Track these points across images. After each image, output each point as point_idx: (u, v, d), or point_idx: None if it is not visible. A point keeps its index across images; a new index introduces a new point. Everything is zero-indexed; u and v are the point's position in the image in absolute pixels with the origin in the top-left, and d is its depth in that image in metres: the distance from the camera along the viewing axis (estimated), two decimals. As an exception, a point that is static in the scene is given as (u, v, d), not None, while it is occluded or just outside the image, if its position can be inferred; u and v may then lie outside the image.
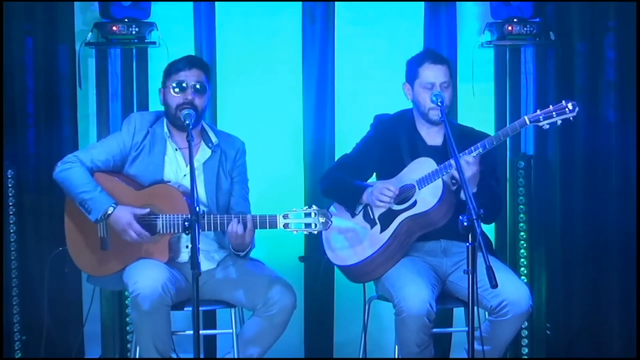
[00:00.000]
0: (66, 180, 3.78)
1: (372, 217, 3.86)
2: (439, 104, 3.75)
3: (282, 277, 3.80)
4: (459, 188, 3.70)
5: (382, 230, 3.82)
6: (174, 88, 3.80)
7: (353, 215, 3.91)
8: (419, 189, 3.78)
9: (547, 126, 3.68)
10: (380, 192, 3.77)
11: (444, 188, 3.73)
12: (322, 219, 3.65)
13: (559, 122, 3.66)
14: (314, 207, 3.66)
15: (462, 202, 3.25)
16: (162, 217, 3.73)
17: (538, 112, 3.68)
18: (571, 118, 3.65)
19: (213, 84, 4.65)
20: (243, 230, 3.64)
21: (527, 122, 3.68)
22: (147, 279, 3.57)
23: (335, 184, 3.96)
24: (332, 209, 3.96)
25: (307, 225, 3.65)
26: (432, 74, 3.85)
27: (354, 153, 4.02)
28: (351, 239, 3.88)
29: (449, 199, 3.74)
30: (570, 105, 3.65)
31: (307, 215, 3.65)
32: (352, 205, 3.90)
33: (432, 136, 3.94)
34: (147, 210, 3.72)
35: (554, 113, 3.65)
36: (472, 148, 3.68)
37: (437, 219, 3.75)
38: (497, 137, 3.71)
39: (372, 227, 3.86)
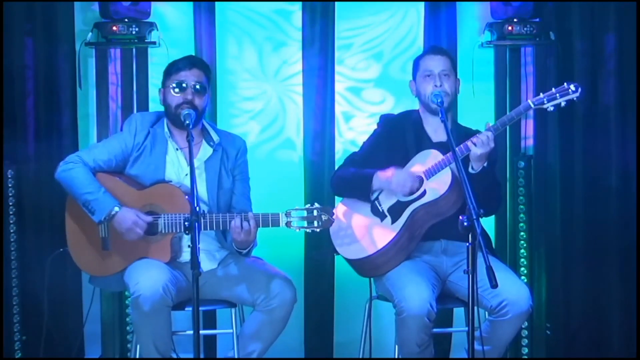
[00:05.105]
0: (69, 181, 3.77)
1: (381, 210, 3.86)
2: (439, 104, 3.76)
3: (282, 272, 3.80)
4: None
5: (393, 221, 3.82)
6: (173, 88, 3.80)
7: (369, 201, 3.90)
8: (427, 179, 3.79)
9: (552, 108, 3.69)
10: (403, 179, 3.76)
11: (453, 177, 3.73)
12: (324, 217, 3.65)
13: (563, 103, 3.66)
14: (316, 204, 3.66)
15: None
16: (164, 217, 3.73)
17: (541, 95, 3.69)
18: (575, 99, 3.66)
19: (213, 84, 4.66)
20: (248, 226, 3.64)
21: (532, 105, 3.69)
22: (148, 279, 3.56)
23: (346, 179, 3.95)
24: (341, 204, 3.98)
25: (310, 223, 3.65)
26: (432, 63, 3.92)
27: (362, 151, 4.03)
28: (362, 233, 3.87)
29: (458, 187, 3.72)
30: (572, 87, 3.67)
31: (310, 213, 3.65)
32: (366, 193, 3.89)
33: (438, 133, 3.94)
34: (150, 218, 3.72)
35: (557, 95, 3.67)
36: (487, 129, 3.70)
37: (447, 208, 3.75)
38: (501, 121, 3.73)
39: (382, 220, 3.85)
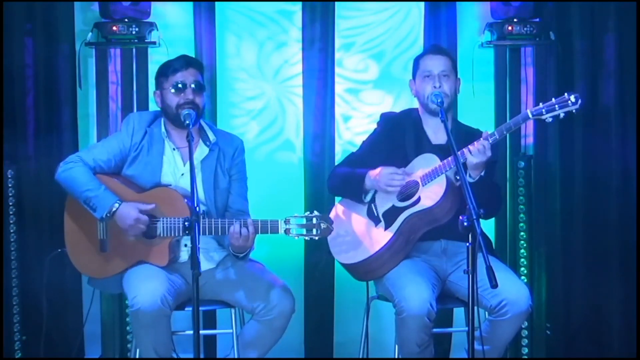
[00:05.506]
0: (69, 180, 3.77)
1: (376, 214, 3.86)
2: (439, 104, 3.76)
3: (282, 281, 3.79)
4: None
5: (387, 227, 3.82)
6: (172, 88, 3.80)
7: (361, 202, 3.90)
8: (423, 186, 3.79)
9: (550, 119, 3.67)
10: (389, 178, 3.77)
11: (448, 184, 3.73)
12: (323, 225, 3.64)
13: (562, 115, 3.65)
14: (316, 212, 3.65)
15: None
16: (162, 221, 3.72)
17: (540, 105, 3.67)
18: (574, 110, 3.64)
19: (213, 84, 4.66)
20: (247, 232, 3.65)
21: (530, 115, 3.67)
22: (146, 292, 3.55)
23: (339, 178, 3.96)
24: (338, 206, 3.98)
25: (309, 230, 3.63)
26: (431, 62, 3.91)
27: (361, 150, 4.02)
28: (357, 237, 3.87)
29: (452, 195, 3.73)
30: (572, 98, 3.63)
31: (309, 220, 3.63)
32: (358, 194, 3.89)
33: (438, 135, 3.94)
34: (152, 205, 3.71)
35: (556, 106, 3.64)
36: (483, 136, 3.68)
37: (441, 215, 3.75)
38: (499, 130, 3.70)
39: (376, 224, 3.86)
